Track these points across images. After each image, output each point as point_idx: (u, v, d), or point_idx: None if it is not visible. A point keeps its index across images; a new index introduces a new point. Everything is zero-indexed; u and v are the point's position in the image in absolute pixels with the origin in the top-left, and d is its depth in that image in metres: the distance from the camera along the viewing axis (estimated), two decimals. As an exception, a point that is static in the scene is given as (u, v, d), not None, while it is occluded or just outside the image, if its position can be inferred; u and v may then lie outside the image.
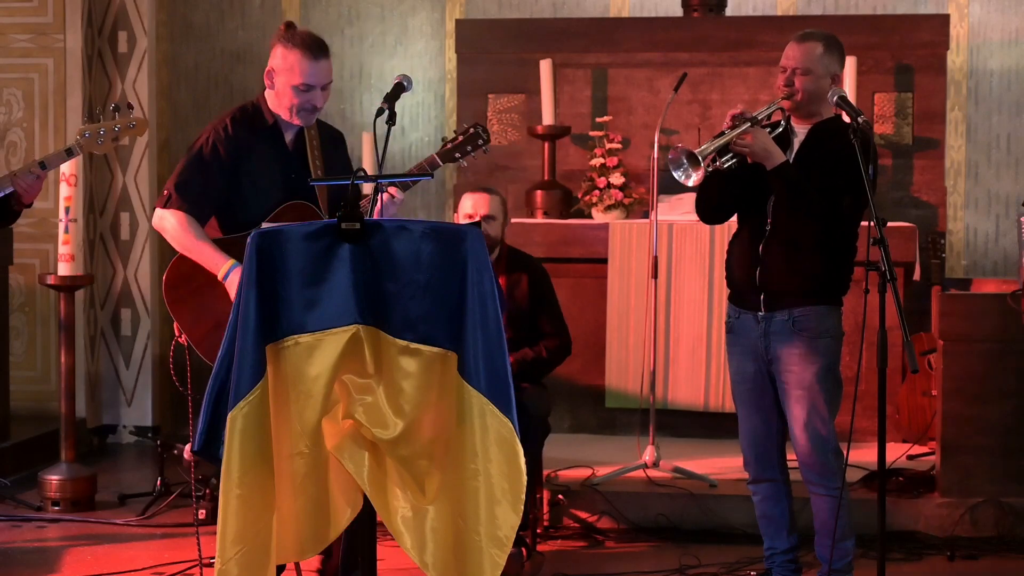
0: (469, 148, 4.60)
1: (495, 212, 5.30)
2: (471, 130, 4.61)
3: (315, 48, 4.39)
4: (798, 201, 4.37)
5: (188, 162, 4.43)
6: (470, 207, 5.31)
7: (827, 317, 4.47)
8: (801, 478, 4.54)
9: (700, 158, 4.30)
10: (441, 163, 4.54)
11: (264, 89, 4.49)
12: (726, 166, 4.44)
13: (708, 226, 6.52)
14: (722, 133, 4.42)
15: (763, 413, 4.57)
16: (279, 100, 4.42)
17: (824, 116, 4.52)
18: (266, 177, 4.43)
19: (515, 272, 5.36)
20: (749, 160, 4.42)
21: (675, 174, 4.35)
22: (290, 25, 4.50)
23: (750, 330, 4.53)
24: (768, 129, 4.49)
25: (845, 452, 4.37)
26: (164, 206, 4.39)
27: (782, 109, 4.50)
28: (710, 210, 4.63)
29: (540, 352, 5.31)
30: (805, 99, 4.46)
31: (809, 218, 4.39)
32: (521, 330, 5.29)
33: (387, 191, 4.14)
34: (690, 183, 4.37)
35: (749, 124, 4.38)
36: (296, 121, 4.43)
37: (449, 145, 4.59)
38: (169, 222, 4.37)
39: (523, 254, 5.49)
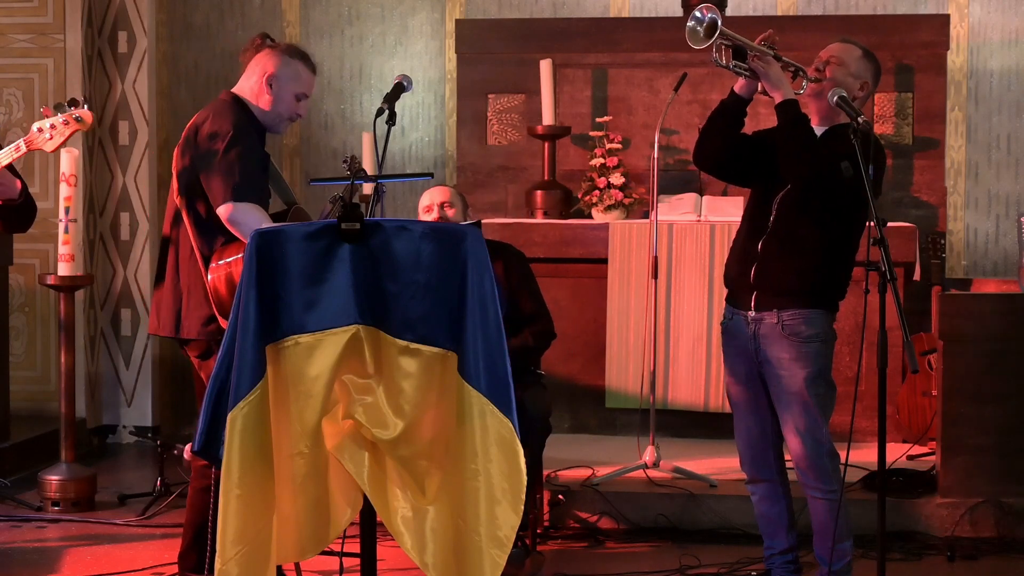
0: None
1: (453, 200, 5.30)
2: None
3: (311, 60, 4.45)
4: (800, 142, 4.31)
5: (241, 154, 4.22)
6: (428, 200, 5.31)
7: (817, 321, 4.42)
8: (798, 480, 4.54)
9: (718, 32, 4.23)
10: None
11: (225, 89, 4.46)
12: (733, 68, 4.38)
13: (708, 226, 6.57)
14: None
15: (757, 414, 4.56)
16: (275, 106, 4.40)
17: (838, 122, 4.49)
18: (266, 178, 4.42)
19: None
20: (759, 85, 4.39)
21: (688, 24, 4.27)
22: (268, 36, 4.51)
23: (742, 331, 4.51)
24: None
25: (845, 453, 4.36)
26: (238, 199, 4.16)
27: (804, 73, 4.45)
28: (705, 145, 4.53)
29: (525, 340, 5.24)
30: (830, 87, 4.38)
31: (806, 167, 4.30)
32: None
33: None
34: (692, 43, 4.28)
35: (773, 56, 4.37)
36: (280, 129, 4.45)
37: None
38: (252, 215, 4.13)
39: (496, 242, 5.36)
